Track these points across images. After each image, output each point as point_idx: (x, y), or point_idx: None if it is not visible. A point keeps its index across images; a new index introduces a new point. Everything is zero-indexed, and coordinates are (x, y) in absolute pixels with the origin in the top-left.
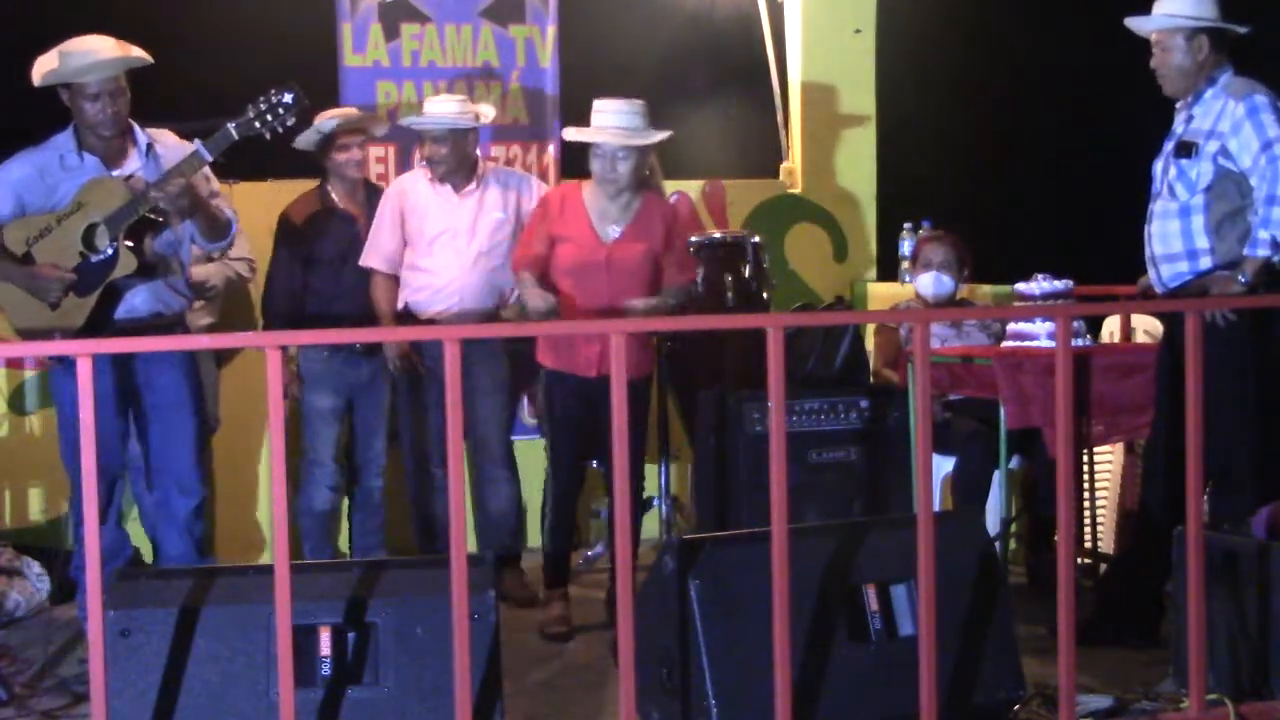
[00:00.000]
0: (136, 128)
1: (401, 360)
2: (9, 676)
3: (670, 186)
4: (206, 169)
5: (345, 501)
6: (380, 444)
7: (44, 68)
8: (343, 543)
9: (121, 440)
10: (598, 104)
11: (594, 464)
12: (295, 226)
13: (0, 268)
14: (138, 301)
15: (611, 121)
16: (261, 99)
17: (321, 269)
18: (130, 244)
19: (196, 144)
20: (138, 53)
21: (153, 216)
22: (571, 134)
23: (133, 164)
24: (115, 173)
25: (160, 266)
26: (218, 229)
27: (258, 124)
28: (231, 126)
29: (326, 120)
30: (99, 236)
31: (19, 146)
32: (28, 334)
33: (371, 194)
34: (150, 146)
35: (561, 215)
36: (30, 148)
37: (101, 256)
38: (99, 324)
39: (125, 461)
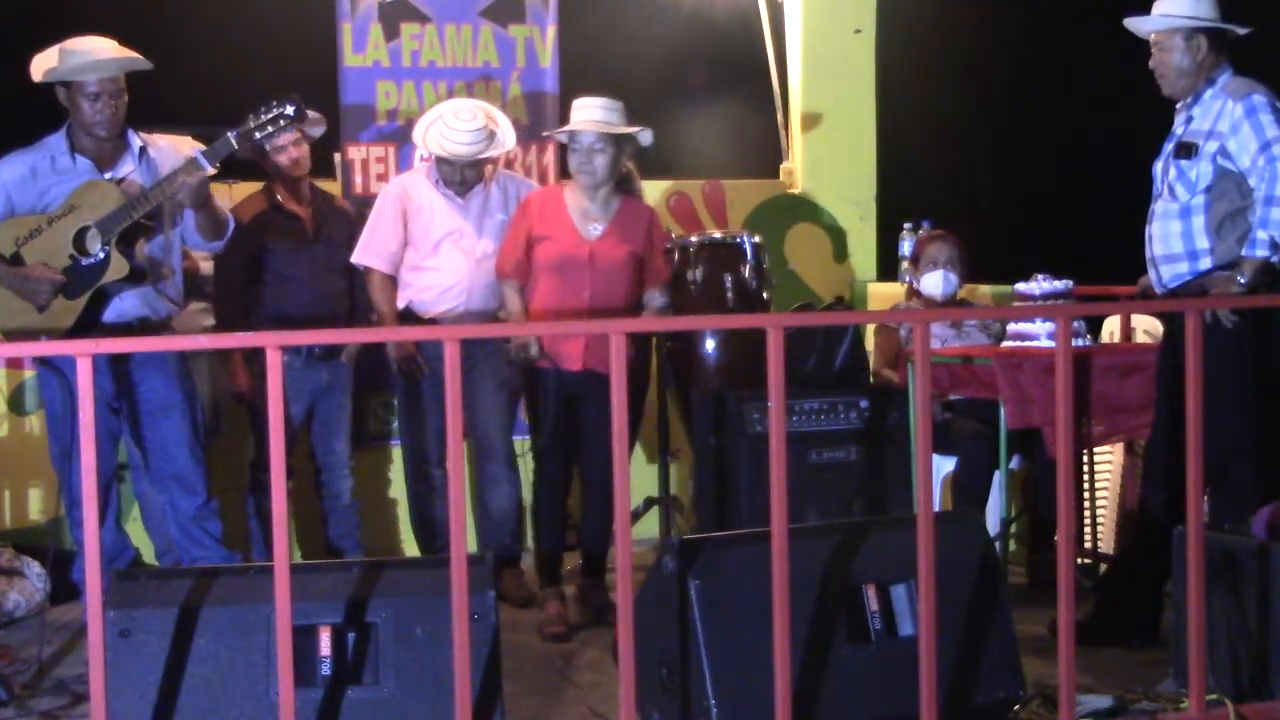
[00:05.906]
0: (130, 131)
1: (405, 361)
2: (9, 676)
3: (670, 187)
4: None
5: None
6: (343, 445)
7: (44, 65)
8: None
9: (113, 441)
10: (578, 101)
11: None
12: (243, 227)
13: None
14: (126, 306)
15: (589, 115)
16: (263, 108)
17: (271, 270)
18: (122, 249)
19: (195, 153)
20: (137, 57)
21: (145, 221)
22: (554, 131)
23: (125, 167)
24: (108, 176)
25: (151, 272)
26: (219, 228)
27: (258, 134)
28: (232, 136)
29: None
30: (90, 240)
31: (11, 147)
32: (14, 335)
33: (316, 192)
34: (143, 150)
35: (542, 215)
36: (22, 148)
37: (92, 260)
38: (86, 327)
39: (117, 464)
